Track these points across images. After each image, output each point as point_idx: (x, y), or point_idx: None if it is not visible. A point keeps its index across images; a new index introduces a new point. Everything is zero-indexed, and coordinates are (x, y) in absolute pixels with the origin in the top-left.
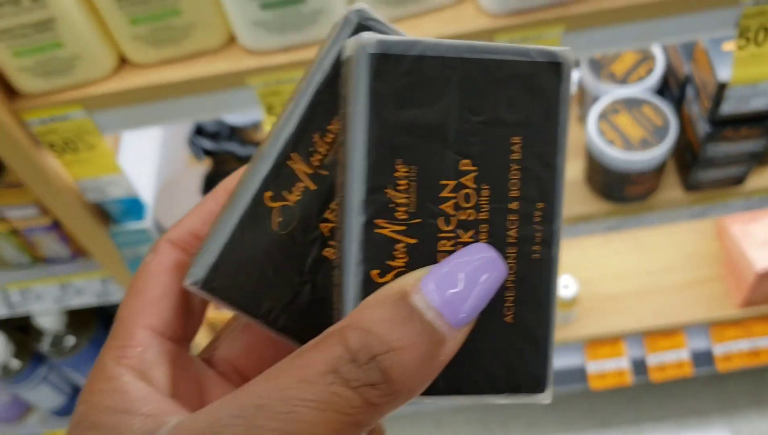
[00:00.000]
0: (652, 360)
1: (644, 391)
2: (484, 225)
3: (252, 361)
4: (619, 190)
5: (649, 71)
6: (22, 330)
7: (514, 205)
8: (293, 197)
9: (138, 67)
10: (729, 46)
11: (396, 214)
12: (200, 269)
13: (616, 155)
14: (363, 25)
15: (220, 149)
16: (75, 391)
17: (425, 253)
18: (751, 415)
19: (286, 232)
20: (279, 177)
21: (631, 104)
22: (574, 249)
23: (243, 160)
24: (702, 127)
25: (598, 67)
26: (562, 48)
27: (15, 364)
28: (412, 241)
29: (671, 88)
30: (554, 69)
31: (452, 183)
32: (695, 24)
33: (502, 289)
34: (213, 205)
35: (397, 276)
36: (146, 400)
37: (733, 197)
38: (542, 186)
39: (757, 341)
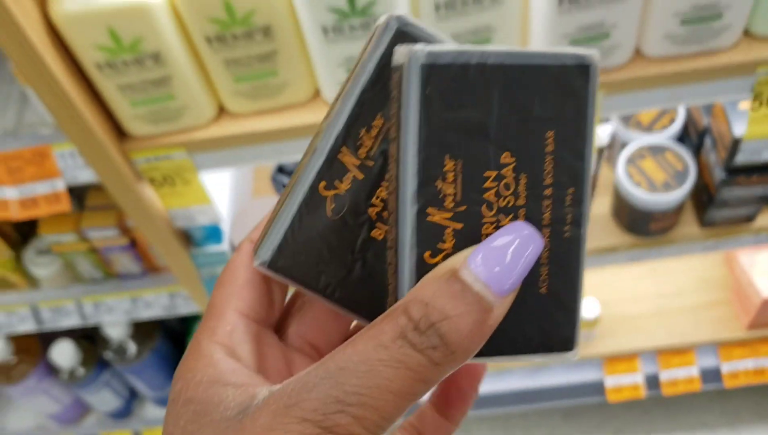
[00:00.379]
0: (665, 376)
1: (657, 404)
2: (522, 209)
3: (320, 334)
4: (643, 225)
5: (672, 121)
6: (87, 337)
7: (548, 191)
8: (344, 186)
9: (235, 117)
10: (744, 105)
11: (444, 203)
12: (266, 251)
13: (642, 196)
14: (402, 30)
15: None
16: (132, 396)
17: (470, 236)
18: (755, 428)
19: (338, 217)
20: (331, 169)
21: (656, 151)
22: (596, 275)
23: None
24: (718, 174)
25: (627, 116)
26: (590, 51)
27: (81, 371)
28: (459, 226)
29: (691, 136)
30: (583, 71)
31: (494, 173)
32: (715, 89)
33: (538, 264)
34: None
35: (446, 257)
36: (236, 373)
37: (743, 233)
38: (573, 173)
39: (762, 361)
